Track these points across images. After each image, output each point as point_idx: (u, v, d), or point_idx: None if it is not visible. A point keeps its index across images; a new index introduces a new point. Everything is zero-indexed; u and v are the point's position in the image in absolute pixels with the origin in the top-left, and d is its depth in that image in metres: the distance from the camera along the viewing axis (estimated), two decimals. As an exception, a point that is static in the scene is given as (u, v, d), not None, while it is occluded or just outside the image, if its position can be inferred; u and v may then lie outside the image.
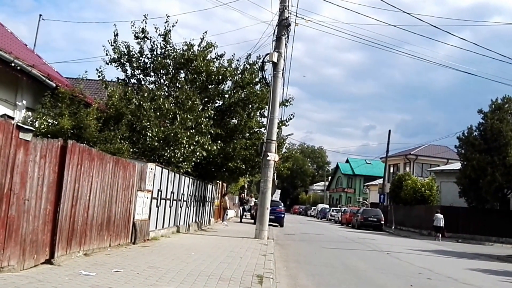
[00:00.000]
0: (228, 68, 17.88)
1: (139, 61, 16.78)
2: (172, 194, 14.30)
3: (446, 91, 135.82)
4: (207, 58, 17.23)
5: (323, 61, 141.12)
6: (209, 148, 15.00)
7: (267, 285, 7.03)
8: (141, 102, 13.00)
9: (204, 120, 15.12)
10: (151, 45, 16.89)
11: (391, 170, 47.07)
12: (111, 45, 16.33)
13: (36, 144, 6.36)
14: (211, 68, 17.24)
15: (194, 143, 14.07)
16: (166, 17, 16.92)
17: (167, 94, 16.02)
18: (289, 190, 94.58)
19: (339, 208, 51.92)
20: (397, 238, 26.03)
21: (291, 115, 20.44)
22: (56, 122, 10.17)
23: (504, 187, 27.67)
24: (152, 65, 16.85)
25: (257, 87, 18.62)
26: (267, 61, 16.71)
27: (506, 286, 10.65)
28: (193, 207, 18.28)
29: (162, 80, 17.16)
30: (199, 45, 17.29)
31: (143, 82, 17.01)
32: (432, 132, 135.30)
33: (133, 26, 16.56)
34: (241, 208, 34.51)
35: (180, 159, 13.75)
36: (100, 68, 15.09)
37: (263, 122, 19.16)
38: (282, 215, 28.70)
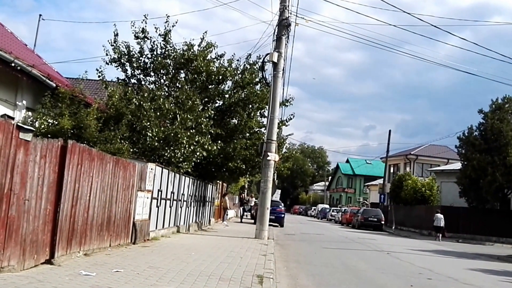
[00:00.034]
0: (228, 68, 17.88)
1: (139, 61, 16.79)
2: (172, 194, 14.29)
3: (446, 91, 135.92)
4: (207, 58, 17.23)
5: (323, 61, 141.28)
6: (209, 148, 15.00)
7: (267, 285, 7.03)
8: (141, 102, 12.99)
9: (204, 120, 15.12)
10: (151, 45, 16.92)
11: (392, 170, 47.06)
12: (111, 45, 16.35)
13: (36, 144, 6.36)
14: (211, 68, 17.24)
15: (194, 143, 14.07)
16: (166, 17, 16.96)
17: (167, 94, 16.02)
18: (289, 190, 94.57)
19: (339, 208, 51.90)
20: (397, 238, 26.02)
21: (291, 115, 20.45)
22: (56, 122, 10.16)
23: (504, 187, 27.67)
24: (152, 65, 16.85)
25: (257, 87, 18.63)
26: (267, 61, 16.71)
27: (506, 286, 10.64)
28: (193, 207, 18.28)
29: (162, 80, 17.16)
30: (199, 45, 17.30)
31: (143, 82, 17.01)
32: (432, 132, 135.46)
33: (133, 26, 16.59)
34: (241, 208, 34.51)
35: (180, 159, 13.75)
36: (100, 68, 15.13)
37: (263, 122, 19.17)
38: (282, 215, 28.70)
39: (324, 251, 15.20)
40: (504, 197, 28.74)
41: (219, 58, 18.03)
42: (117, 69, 16.67)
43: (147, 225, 11.68)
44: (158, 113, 13.28)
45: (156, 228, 12.69)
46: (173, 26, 16.88)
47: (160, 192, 12.77)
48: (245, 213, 33.84)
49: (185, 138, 13.39)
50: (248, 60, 18.82)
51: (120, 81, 16.63)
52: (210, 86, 17.53)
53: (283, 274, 9.29)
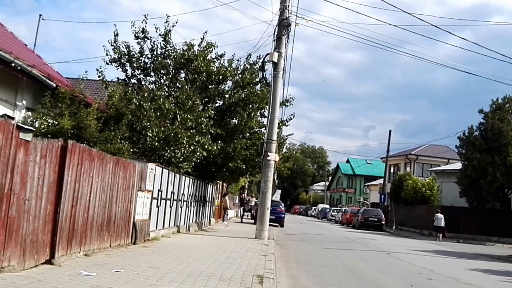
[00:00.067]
0: (228, 68, 17.89)
1: (139, 61, 16.79)
2: (172, 194, 14.29)
3: (446, 91, 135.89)
4: (207, 58, 17.24)
5: (323, 61, 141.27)
6: (209, 148, 15.00)
7: (268, 285, 7.02)
8: (141, 102, 12.99)
9: (204, 120, 15.12)
10: (151, 45, 16.92)
11: (392, 170, 47.05)
12: (111, 45, 16.36)
13: (36, 144, 6.35)
14: (211, 68, 17.24)
15: (195, 143, 14.07)
16: (166, 17, 16.97)
17: (167, 94, 16.02)
18: (290, 190, 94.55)
19: (339, 208, 51.89)
20: (397, 238, 26.01)
21: (292, 115, 20.43)
22: (56, 122, 10.16)
23: (505, 187, 27.64)
24: (152, 65, 16.86)
25: (258, 87, 18.63)
26: (267, 61, 16.71)
27: (507, 286, 10.64)
28: (194, 207, 18.28)
29: (162, 80, 17.17)
30: (199, 45, 17.31)
31: (143, 82, 17.02)
32: (432, 132, 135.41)
33: (133, 26, 16.60)
34: (241, 208, 34.51)
35: (181, 159, 13.75)
36: (100, 68, 15.15)
37: (263, 122, 19.16)
38: (283, 215, 28.70)
39: (324, 251, 15.20)
40: (504, 197, 28.72)
41: (219, 58, 18.05)
42: (117, 69, 16.72)
43: (147, 225, 11.68)
44: (158, 113, 13.28)
45: (156, 228, 12.69)
46: (173, 26, 16.92)
47: (160, 192, 12.76)
48: (245, 213, 33.83)
49: (185, 138, 13.39)
50: (248, 60, 18.85)
51: (120, 81, 16.64)
52: (210, 86, 17.53)
53: (283, 274, 9.28)
